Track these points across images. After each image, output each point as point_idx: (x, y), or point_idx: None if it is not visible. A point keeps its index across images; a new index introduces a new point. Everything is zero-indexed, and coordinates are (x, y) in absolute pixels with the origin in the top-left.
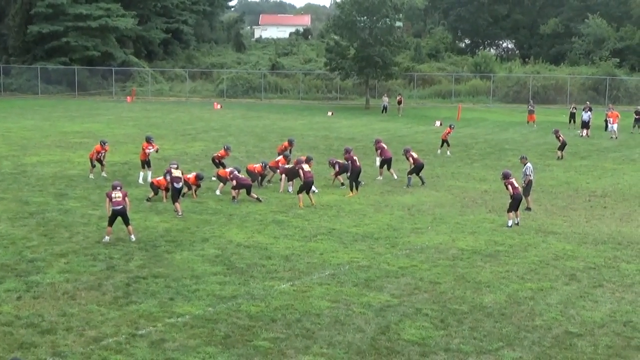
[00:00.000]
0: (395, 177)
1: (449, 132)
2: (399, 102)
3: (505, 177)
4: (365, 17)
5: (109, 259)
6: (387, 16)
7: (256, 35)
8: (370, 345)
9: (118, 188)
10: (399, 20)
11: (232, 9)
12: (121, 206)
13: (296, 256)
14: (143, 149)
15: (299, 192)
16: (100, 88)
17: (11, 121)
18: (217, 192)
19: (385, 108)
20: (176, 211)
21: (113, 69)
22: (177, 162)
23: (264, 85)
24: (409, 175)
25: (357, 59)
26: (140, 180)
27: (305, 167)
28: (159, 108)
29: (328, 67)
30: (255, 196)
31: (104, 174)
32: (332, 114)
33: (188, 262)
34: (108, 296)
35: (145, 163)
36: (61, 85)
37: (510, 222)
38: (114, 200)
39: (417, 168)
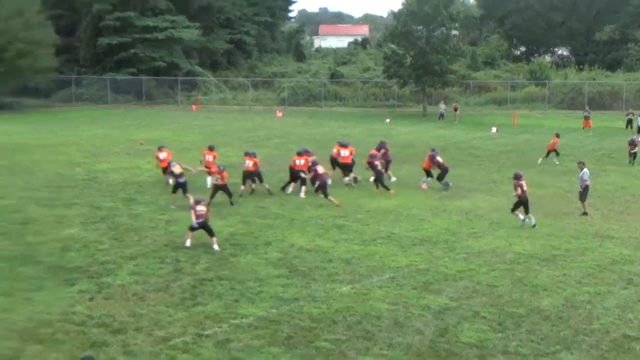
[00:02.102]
0: (393, 178)
1: (556, 142)
2: (456, 109)
3: (517, 177)
4: (421, 27)
5: (176, 262)
6: (443, 25)
7: (316, 45)
8: (429, 347)
9: (202, 202)
10: (455, 29)
11: (293, 20)
12: (204, 219)
13: (356, 259)
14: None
15: (317, 190)
16: (166, 97)
17: (83, 129)
18: (301, 195)
19: (442, 115)
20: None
21: (179, 78)
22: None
23: (324, 93)
24: (442, 181)
25: (414, 67)
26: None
27: (320, 168)
28: (223, 116)
29: (386, 75)
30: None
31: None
32: (389, 121)
33: (252, 265)
34: (175, 298)
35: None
36: (129, 94)
37: (521, 217)
38: (198, 213)
39: (444, 172)
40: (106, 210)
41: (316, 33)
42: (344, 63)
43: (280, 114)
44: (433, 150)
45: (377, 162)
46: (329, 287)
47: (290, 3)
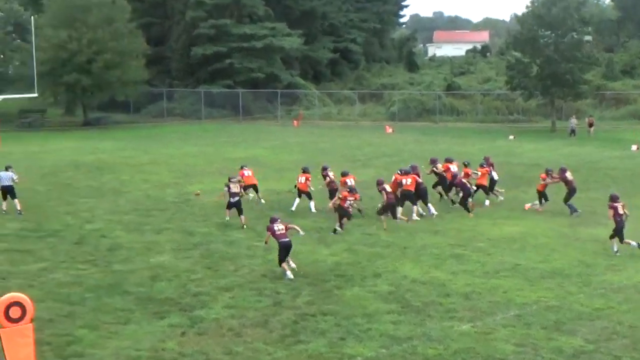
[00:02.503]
0: (501, 198)
1: None
2: (590, 125)
3: (612, 200)
4: (549, 32)
5: (276, 294)
6: (574, 30)
7: (429, 54)
8: None
9: (279, 220)
10: (588, 33)
11: (404, 26)
12: (288, 239)
13: (477, 294)
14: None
15: (381, 213)
16: (265, 112)
17: (174, 147)
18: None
19: (573, 131)
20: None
21: (279, 91)
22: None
23: (439, 107)
24: (567, 203)
25: (541, 77)
26: (313, 209)
27: (388, 187)
28: (327, 132)
29: (509, 87)
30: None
31: (262, 200)
32: (513, 137)
33: (359, 298)
34: (275, 334)
35: (305, 194)
36: (225, 109)
37: (615, 247)
38: (277, 232)
39: (571, 193)
40: (199, 236)
41: (430, 40)
42: (462, 73)
43: (390, 130)
44: (548, 171)
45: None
46: (446, 325)
47: (402, 8)
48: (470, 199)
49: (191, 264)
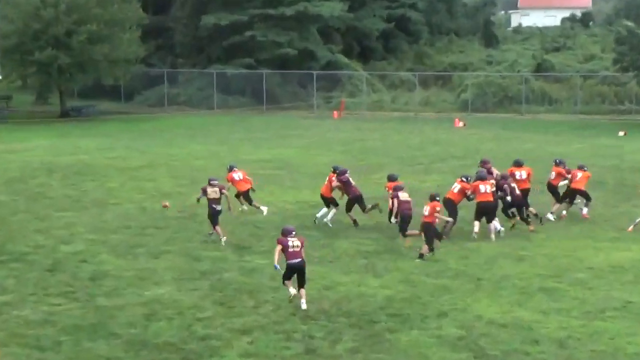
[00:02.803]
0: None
1: None
2: None
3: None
4: None
5: (309, 339)
6: None
7: (513, 24)
8: None
9: (294, 233)
10: None
11: None
12: (300, 259)
13: (575, 340)
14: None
15: (401, 230)
16: (296, 99)
17: (177, 145)
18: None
19: None
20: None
21: (314, 73)
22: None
23: (525, 93)
24: None
25: None
26: (329, 223)
27: (403, 195)
28: (378, 127)
29: (618, 67)
30: None
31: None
32: (624, 133)
33: (418, 345)
34: None
35: (330, 200)
36: (244, 96)
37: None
38: (290, 250)
39: None
40: (209, 262)
41: (514, 6)
42: (556, 49)
43: (460, 124)
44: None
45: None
46: None
47: None
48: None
49: (198, 299)
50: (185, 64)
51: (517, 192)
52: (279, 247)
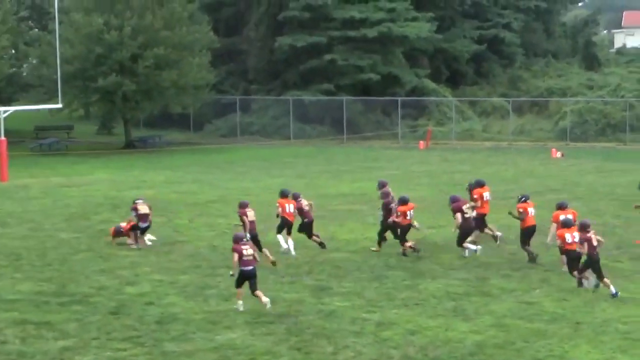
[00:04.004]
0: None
1: None
2: None
3: (582, 228)
4: None
5: None
6: None
7: (617, 44)
8: None
9: (244, 240)
10: None
11: (580, 5)
12: (252, 267)
13: None
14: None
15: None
16: (380, 128)
17: (251, 178)
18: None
19: None
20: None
21: (399, 99)
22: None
23: (630, 120)
24: None
25: None
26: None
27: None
28: (468, 158)
29: None
30: None
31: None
32: None
33: None
34: None
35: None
36: (323, 124)
37: (589, 281)
38: (244, 258)
39: None
40: (285, 304)
41: (618, 25)
42: None
43: (558, 154)
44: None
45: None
46: None
47: None
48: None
49: (272, 344)
50: (259, 91)
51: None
52: (236, 255)
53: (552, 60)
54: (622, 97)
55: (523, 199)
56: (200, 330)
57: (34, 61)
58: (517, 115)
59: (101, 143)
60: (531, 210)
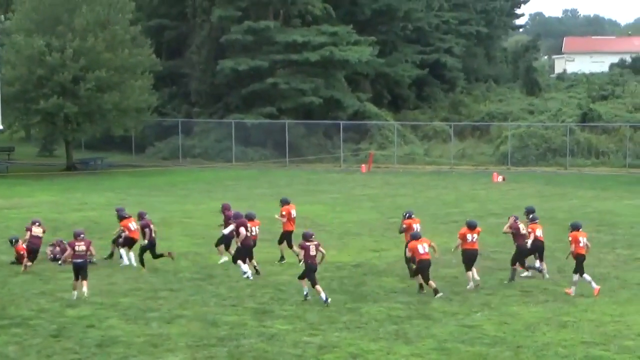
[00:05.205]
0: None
1: None
2: None
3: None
4: None
5: None
6: None
7: (557, 70)
8: None
9: (81, 236)
10: None
11: (521, 30)
12: (82, 260)
13: None
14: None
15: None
16: (322, 152)
17: (193, 202)
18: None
19: None
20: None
21: (341, 123)
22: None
23: (570, 145)
24: None
25: None
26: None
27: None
28: (409, 181)
29: None
30: None
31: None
32: None
33: None
34: None
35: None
36: (265, 148)
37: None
38: (76, 252)
39: None
40: (226, 328)
41: (558, 51)
42: (603, 97)
43: (500, 178)
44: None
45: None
46: None
47: (518, 4)
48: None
49: None
50: (202, 114)
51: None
52: (70, 249)
53: (493, 85)
54: (563, 121)
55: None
56: (141, 353)
57: None
58: (459, 139)
59: (42, 165)
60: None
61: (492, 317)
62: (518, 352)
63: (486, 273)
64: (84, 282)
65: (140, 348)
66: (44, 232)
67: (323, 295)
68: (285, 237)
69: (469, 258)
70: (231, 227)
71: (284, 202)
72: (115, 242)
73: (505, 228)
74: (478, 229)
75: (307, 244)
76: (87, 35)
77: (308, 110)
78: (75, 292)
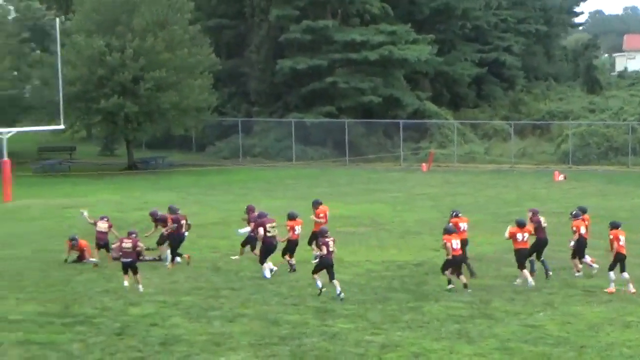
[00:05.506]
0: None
1: None
2: None
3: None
4: None
5: None
6: None
7: (618, 68)
8: None
9: (133, 235)
10: None
11: (581, 29)
12: (130, 259)
13: None
14: None
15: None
16: (382, 151)
17: (252, 200)
18: None
19: None
20: None
21: (401, 122)
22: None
23: (632, 144)
24: None
25: None
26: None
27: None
28: (469, 180)
29: None
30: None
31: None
32: None
33: None
34: None
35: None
36: (324, 147)
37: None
38: (124, 249)
39: None
40: (288, 327)
41: (619, 49)
42: None
43: (561, 177)
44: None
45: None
46: None
47: (577, 2)
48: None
49: None
50: (261, 113)
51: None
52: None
53: (553, 83)
54: (624, 120)
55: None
56: (204, 351)
57: (36, 82)
58: (519, 138)
59: (103, 164)
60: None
61: (555, 317)
62: (582, 352)
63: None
64: (136, 277)
65: (202, 346)
66: (109, 227)
67: (338, 289)
68: (315, 237)
69: (523, 256)
70: (247, 227)
71: (317, 204)
72: (160, 243)
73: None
74: (528, 227)
75: (327, 239)
76: (147, 36)
77: (367, 109)
78: (127, 282)
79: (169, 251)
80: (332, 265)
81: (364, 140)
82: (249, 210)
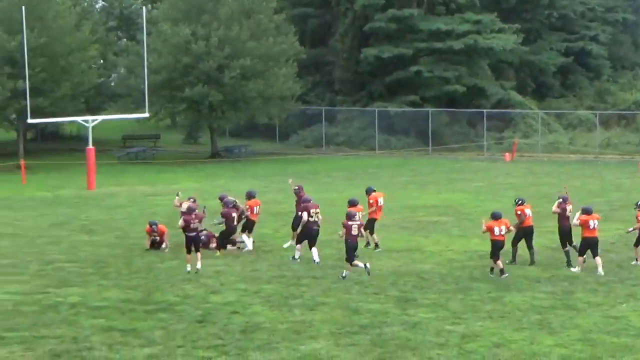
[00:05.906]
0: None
1: None
2: None
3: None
4: None
5: None
6: None
7: None
8: None
9: (196, 211)
10: None
11: None
12: (195, 233)
13: None
14: None
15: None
16: (465, 140)
17: (335, 189)
18: None
19: None
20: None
21: (485, 111)
22: None
23: None
24: None
25: None
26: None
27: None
28: (553, 170)
29: None
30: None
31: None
32: None
33: None
34: None
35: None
36: (408, 136)
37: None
38: (192, 226)
39: None
40: (369, 316)
41: None
42: None
43: None
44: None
45: None
46: None
47: None
48: None
49: (357, 354)
50: (345, 102)
51: None
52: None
53: None
54: None
55: (520, 201)
56: (284, 339)
57: (122, 71)
58: (604, 128)
59: (187, 152)
60: (528, 212)
61: (638, 309)
62: None
63: (629, 264)
64: (198, 255)
65: (283, 334)
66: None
67: (361, 264)
68: (370, 224)
69: (588, 245)
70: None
71: (371, 191)
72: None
73: (554, 208)
74: (595, 214)
75: (350, 223)
76: (232, 24)
77: (451, 99)
78: (189, 266)
79: (244, 236)
80: (355, 249)
81: (447, 130)
82: (299, 189)
